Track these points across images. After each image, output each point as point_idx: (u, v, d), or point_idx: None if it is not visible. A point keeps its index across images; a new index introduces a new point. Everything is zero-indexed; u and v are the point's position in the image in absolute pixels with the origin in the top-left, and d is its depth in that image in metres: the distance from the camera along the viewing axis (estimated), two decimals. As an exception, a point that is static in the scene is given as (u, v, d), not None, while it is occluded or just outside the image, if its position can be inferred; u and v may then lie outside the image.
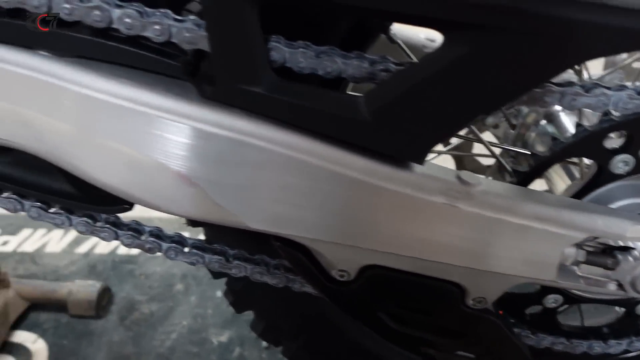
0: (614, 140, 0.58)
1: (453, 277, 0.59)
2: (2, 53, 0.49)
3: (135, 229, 0.65)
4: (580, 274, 0.58)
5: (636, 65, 0.99)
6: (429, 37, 0.90)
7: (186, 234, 0.68)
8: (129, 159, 0.51)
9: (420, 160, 0.51)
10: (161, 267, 1.53)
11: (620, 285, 0.59)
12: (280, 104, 0.48)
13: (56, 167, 0.56)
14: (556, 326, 0.76)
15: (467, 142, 1.13)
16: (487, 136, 1.06)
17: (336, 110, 0.48)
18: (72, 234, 1.68)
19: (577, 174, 0.83)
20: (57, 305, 1.38)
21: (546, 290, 0.72)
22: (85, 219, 0.63)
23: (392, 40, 0.65)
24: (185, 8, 0.61)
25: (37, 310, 1.39)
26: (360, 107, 0.48)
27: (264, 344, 1.26)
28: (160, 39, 0.49)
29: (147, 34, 0.48)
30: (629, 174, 0.59)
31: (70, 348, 1.29)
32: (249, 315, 0.86)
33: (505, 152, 0.82)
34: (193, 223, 0.74)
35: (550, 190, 0.87)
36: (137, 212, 0.59)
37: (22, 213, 0.62)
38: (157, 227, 0.67)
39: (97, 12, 0.47)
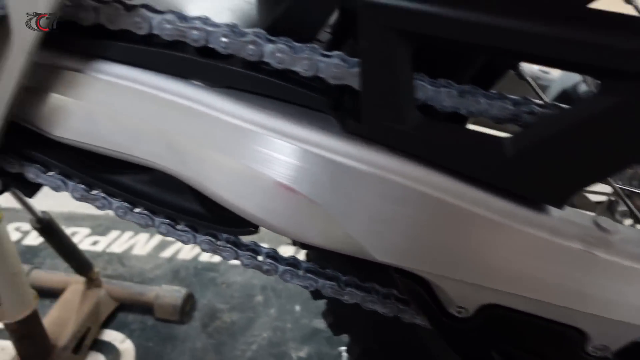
0: None
1: (577, 322, 0.58)
2: (159, 81, 0.52)
3: (253, 250, 0.67)
4: None
5: None
6: (543, 68, 0.89)
7: (284, 252, 0.69)
8: (269, 187, 0.52)
9: (561, 205, 0.50)
10: (242, 277, 1.56)
11: None
12: (424, 142, 0.49)
13: (189, 188, 0.59)
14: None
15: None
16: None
17: (480, 150, 0.48)
18: (157, 238, 1.75)
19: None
20: (144, 308, 1.44)
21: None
22: (208, 237, 0.65)
23: (520, 76, 0.64)
24: (315, 38, 0.62)
25: (124, 310, 1.45)
26: (505, 149, 0.48)
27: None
28: (307, 73, 0.50)
29: (295, 68, 0.50)
30: None
31: (156, 351, 1.33)
32: (327, 332, 0.86)
33: (620, 191, 0.79)
34: (303, 245, 0.75)
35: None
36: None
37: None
38: (272, 248, 0.68)
39: (251, 47, 0.50)
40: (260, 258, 0.67)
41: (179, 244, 1.70)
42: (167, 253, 1.68)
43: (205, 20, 0.51)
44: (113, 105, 0.53)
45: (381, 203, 0.51)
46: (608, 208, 0.82)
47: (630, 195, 0.78)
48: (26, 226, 1.80)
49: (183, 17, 0.51)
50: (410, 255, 0.54)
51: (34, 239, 1.75)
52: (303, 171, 0.51)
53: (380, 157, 0.50)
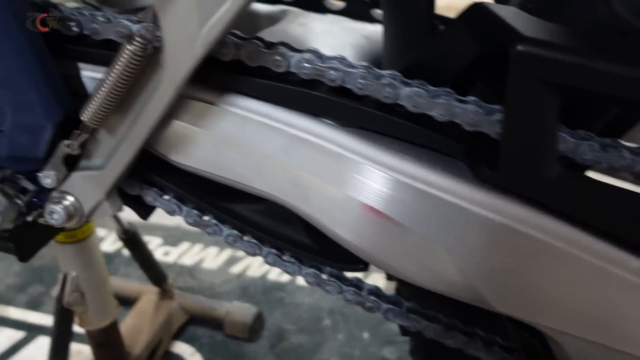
0: None
1: None
2: (291, 118, 0.53)
3: (357, 285, 0.66)
4: None
5: None
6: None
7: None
8: (391, 229, 0.52)
9: None
10: (309, 299, 1.56)
11: None
12: (564, 196, 0.47)
13: (301, 221, 0.59)
14: None
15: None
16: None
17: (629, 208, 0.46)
18: (226, 253, 1.77)
19: None
20: (214, 323, 1.45)
21: None
22: (313, 270, 0.65)
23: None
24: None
25: (194, 324, 1.48)
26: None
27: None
28: (443, 118, 0.49)
29: (432, 113, 0.49)
30: None
31: (225, 367, 1.35)
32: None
33: None
34: (401, 281, 0.74)
35: None
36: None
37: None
38: (375, 285, 0.67)
39: (388, 89, 0.49)
40: (363, 294, 0.66)
41: (247, 260, 1.72)
42: (236, 269, 1.70)
43: (342, 60, 0.51)
44: (242, 138, 0.54)
45: (511, 254, 0.49)
46: None
47: None
48: (101, 232, 1.87)
49: (320, 57, 0.51)
50: (536, 308, 0.52)
51: (109, 245, 1.81)
52: (429, 217, 0.50)
53: (514, 208, 0.48)
